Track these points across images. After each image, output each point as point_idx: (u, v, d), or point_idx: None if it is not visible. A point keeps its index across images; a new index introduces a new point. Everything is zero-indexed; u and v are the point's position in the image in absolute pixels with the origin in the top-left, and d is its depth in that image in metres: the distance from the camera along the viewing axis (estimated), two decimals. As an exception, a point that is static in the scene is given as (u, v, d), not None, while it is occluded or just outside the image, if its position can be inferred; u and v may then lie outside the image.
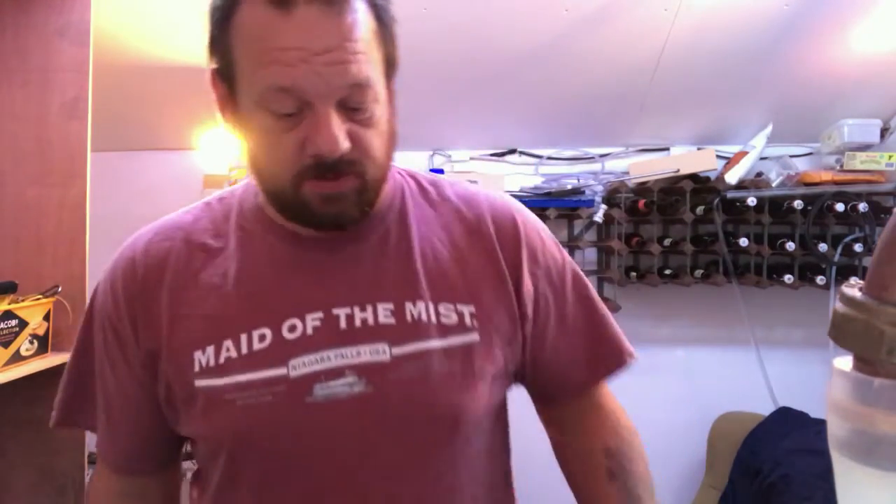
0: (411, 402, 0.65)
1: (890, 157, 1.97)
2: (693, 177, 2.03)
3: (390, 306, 0.67)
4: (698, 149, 2.11)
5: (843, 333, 0.48)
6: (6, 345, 1.32)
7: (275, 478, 0.65)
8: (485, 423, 0.72)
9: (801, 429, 1.84)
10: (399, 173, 0.78)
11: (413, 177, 0.79)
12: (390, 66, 0.66)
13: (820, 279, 1.93)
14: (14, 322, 1.33)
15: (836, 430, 0.50)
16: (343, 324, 0.66)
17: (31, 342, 1.38)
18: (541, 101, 2.05)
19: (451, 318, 0.68)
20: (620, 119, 2.10)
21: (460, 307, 0.69)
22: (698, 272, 2.01)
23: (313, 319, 0.65)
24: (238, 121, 0.64)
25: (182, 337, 0.67)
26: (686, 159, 2.04)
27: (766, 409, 2.01)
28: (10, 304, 1.34)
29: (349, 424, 0.63)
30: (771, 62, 1.88)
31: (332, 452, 0.64)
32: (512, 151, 2.21)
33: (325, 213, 0.64)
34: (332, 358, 0.64)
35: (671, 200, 1.99)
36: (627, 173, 2.08)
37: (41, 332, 1.41)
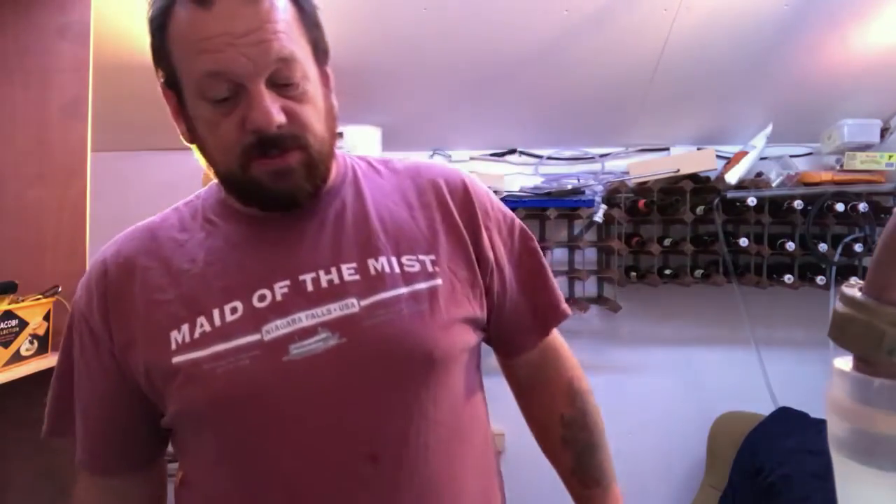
0: (385, 343, 0.68)
1: (890, 157, 1.97)
2: (693, 177, 2.03)
3: (353, 265, 0.71)
4: (698, 149, 2.11)
5: (843, 333, 0.48)
6: (6, 345, 1.32)
7: (260, 442, 0.66)
8: (460, 362, 0.75)
9: (801, 429, 1.84)
10: (348, 157, 0.83)
11: (363, 159, 0.85)
12: (319, 50, 0.72)
13: (820, 279, 1.93)
14: (14, 322, 1.33)
15: (836, 430, 0.50)
16: (310, 287, 0.69)
17: (31, 342, 1.38)
18: (541, 101, 2.05)
19: (414, 266, 0.73)
20: (620, 119, 2.10)
21: (421, 257, 0.74)
22: (698, 272, 2.01)
23: (281, 287, 0.69)
24: (189, 123, 0.70)
25: (157, 321, 0.69)
26: (686, 159, 2.04)
27: (766, 409, 2.01)
28: (10, 304, 1.34)
29: (329, 375, 0.66)
30: (771, 62, 1.87)
31: (316, 405, 0.66)
32: (512, 151, 2.21)
33: (277, 190, 0.68)
34: (304, 319, 0.67)
35: (671, 200, 1.99)
36: (627, 173, 2.08)
37: (41, 332, 1.40)
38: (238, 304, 0.68)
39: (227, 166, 0.69)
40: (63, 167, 1.47)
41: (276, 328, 0.67)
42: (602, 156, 2.19)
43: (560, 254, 2.20)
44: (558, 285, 0.89)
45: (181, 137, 0.73)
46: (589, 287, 2.20)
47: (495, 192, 1.05)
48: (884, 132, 2.02)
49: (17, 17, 1.48)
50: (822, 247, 1.92)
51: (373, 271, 0.71)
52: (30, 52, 1.48)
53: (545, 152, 2.20)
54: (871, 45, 1.81)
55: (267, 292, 0.69)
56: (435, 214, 0.78)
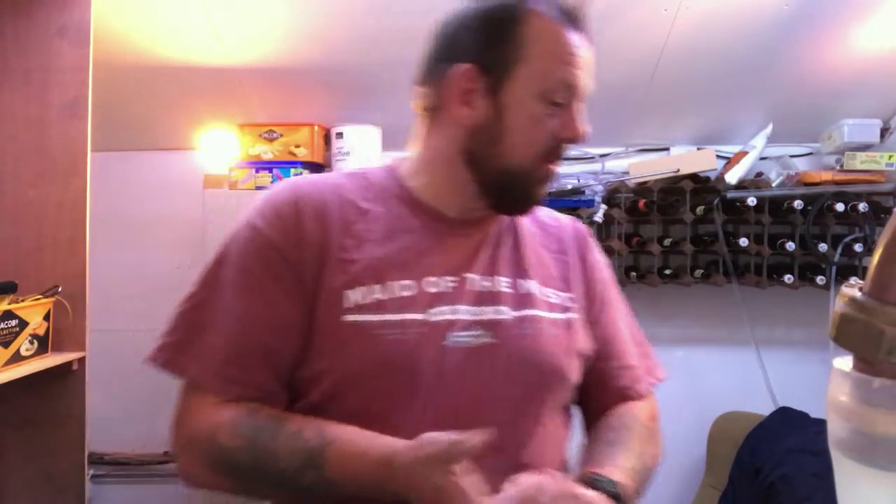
0: (527, 354, 0.77)
1: (890, 157, 1.97)
2: (693, 177, 2.03)
3: (508, 280, 0.80)
4: (698, 149, 2.11)
5: (843, 333, 0.48)
6: (6, 345, 1.32)
7: (401, 409, 0.71)
8: (571, 395, 0.84)
9: (801, 429, 1.84)
10: None
11: None
12: None
13: (820, 279, 1.93)
14: (14, 322, 1.33)
15: (836, 430, 0.50)
16: (473, 287, 0.78)
17: (31, 342, 1.38)
18: (541, 101, 2.04)
19: (554, 298, 0.83)
20: (620, 119, 2.10)
21: (560, 293, 0.84)
22: (698, 272, 2.01)
23: (449, 280, 0.77)
24: (494, 107, 0.75)
25: (336, 276, 0.74)
26: (686, 159, 2.04)
27: (766, 409, 2.01)
28: (10, 304, 1.34)
29: (476, 368, 0.74)
30: (771, 62, 1.87)
31: (458, 390, 0.73)
32: (512, 151, 2.21)
33: (537, 192, 0.80)
34: (464, 313, 0.75)
35: (671, 200, 1.99)
36: (627, 173, 2.08)
37: (41, 331, 1.41)
38: (411, 283, 0.75)
39: (521, 158, 0.76)
40: (63, 167, 1.47)
41: (441, 313, 0.74)
42: (602, 156, 2.19)
43: (560, 254, 2.19)
44: None
45: (460, 117, 0.77)
46: (589, 287, 2.19)
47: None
48: (884, 132, 2.01)
49: (17, 18, 1.48)
50: (822, 247, 1.92)
51: (522, 290, 0.80)
52: (30, 52, 1.48)
53: (545, 152, 2.19)
54: (871, 45, 1.81)
55: (437, 280, 0.76)
56: (573, 261, 0.89)
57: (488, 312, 0.76)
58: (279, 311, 0.74)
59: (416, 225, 0.80)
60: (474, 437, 0.63)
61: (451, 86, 0.76)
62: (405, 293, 0.74)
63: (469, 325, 0.75)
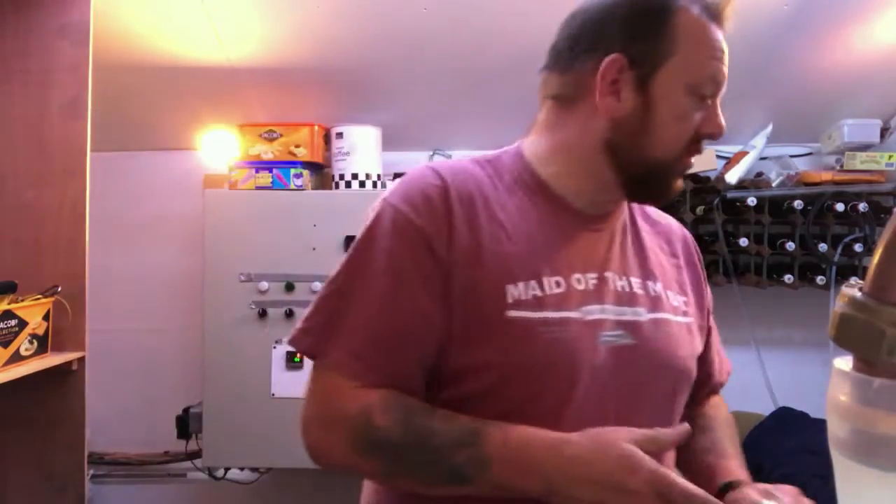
0: (663, 357, 0.78)
1: (890, 157, 1.97)
2: (693, 177, 2.03)
3: (639, 280, 0.80)
4: (698, 149, 2.11)
5: (843, 334, 0.48)
6: (6, 345, 1.32)
7: (550, 408, 0.71)
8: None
9: (801, 429, 1.84)
10: None
11: None
12: None
13: (820, 279, 1.93)
14: (14, 322, 1.33)
15: (836, 430, 0.50)
16: (613, 286, 0.77)
17: (31, 342, 1.38)
18: (541, 101, 2.04)
19: (675, 301, 0.83)
20: (620, 119, 2.09)
21: (679, 297, 0.84)
22: (698, 272, 2.01)
23: (591, 278, 0.76)
24: (643, 99, 0.75)
25: (492, 269, 0.72)
26: (686, 159, 2.04)
27: (766, 409, 2.01)
28: (9, 304, 1.34)
29: (621, 370, 0.74)
30: (771, 62, 1.87)
31: (607, 392, 0.73)
32: (512, 151, 2.20)
33: (676, 184, 0.80)
34: (610, 312, 0.75)
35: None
36: (627, 173, 2.07)
37: (41, 331, 1.41)
38: (560, 280, 0.74)
39: (667, 151, 0.76)
40: (63, 167, 1.47)
41: (592, 312, 0.74)
42: (602, 156, 2.19)
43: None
44: None
45: (606, 108, 0.75)
46: (589, 287, 2.19)
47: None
48: (884, 132, 2.02)
49: (17, 17, 1.48)
50: (822, 247, 1.92)
51: (652, 292, 0.80)
52: (30, 52, 1.48)
53: (545, 152, 2.19)
54: (871, 44, 1.81)
55: (582, 277, 0.76)
56: (683, 265, 0.89)
57: (628, 313, 0.76)
58: (420, 300, 0.72)
59: (551, 217, 0.78)
60: (670, 433, 0.68)
61: (599, 76, 0.74)
62: (558, 290, 0.73)
63: (613, 324, 0.75)
